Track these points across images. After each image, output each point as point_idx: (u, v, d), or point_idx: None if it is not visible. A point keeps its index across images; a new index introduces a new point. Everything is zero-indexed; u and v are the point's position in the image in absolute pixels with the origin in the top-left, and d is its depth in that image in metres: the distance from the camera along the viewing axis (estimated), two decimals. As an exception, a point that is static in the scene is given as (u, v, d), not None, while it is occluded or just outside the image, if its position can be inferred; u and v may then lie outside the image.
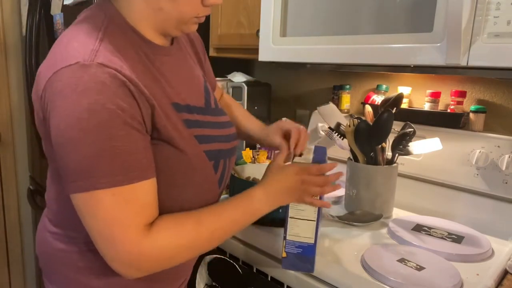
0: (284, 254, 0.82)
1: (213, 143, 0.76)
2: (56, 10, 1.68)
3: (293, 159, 0.95)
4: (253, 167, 1.23)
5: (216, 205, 0.73)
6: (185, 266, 0.85)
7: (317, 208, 0.79)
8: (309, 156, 0.83)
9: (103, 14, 0.67)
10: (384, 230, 1.06)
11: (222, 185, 0.81)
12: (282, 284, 0.90)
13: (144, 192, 0.63)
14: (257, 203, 0.74)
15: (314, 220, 0.79)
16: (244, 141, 1.53)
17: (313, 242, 0.80)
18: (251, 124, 1.03)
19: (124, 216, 0.60)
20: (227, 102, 1.07)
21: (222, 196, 1.16)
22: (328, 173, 0.79)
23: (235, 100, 1.14)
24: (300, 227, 0.80)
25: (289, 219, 0.80)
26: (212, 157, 0.75)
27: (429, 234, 1.00)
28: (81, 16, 0.70)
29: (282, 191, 0.76)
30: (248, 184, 1.10)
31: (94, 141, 0.57)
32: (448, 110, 1.19)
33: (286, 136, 0.92)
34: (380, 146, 1.10)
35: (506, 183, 1.05)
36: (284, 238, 0.81)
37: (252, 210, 0.74)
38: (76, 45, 0.61)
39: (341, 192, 1.24)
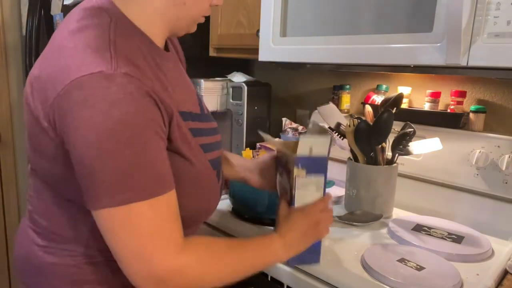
0: None
1: (213, 151, 0.75)
2: (56, 10, 1.68)
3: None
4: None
5: (237, 242, 0.73)
6: None
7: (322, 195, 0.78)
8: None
9: (107, 15, 0.64)
10: (384, 230, 1.06)
11: (221, 193, 0.82)
12: (282, 284, 0.90)
13: (175, 201, 0.62)
14: (275, 253, 0.74)
15: None
16: (244, 141, 1.53)
17: None
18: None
19: (163, 229, 0.59)
20: None
21: (221, 202, 1.15)
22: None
23: None
24: None
25: None
26: (215, 166, 0.75)
27: (429, 234, 1.00)
28: (80, 15, 0.65)
29: (298, 238, 0.76)
30: (248, 187, 1.09)
31: (129, 154, 0.56)
32: (448, 110, 1.19)
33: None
34: (380, 146, 1.10)
35: (506, 183, 1.05)
36: None
37: (269, 260, 0.75)
38: (90, 52, 0.58)
39: (341, 192, 1.24)
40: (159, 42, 0.70)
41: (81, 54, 0.59)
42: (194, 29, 0.75)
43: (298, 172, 0.74)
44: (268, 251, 0.74)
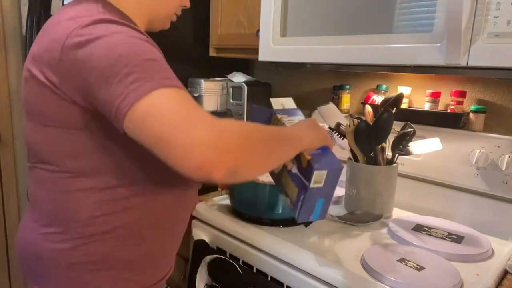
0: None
1: None
2: (56, 10, 1.68)
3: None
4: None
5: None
6: (166, 254, 0.84)
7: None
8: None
9: (94, 3, 0.70)
10: (384, 230, 1.06)
11: None
12: (282, 284, 0.90)
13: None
14: (302, 136, 0.74)
15: None
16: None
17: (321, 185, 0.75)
18: None
19: (197, 107, 0.58)
20: None
21: (222, 201, 1.16)
22: None
23: None
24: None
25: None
26: None
27: (429, 234, 1.00)
28: (72, 2, 0.72)
29: (309, 130, 0.77)
30: (248, 184, 1.10)
31: (142, 53, 0.60)
32: (448, 110, 1.19)
33: None
34: (380, 146, 1.10)
35: (506, 183, 1.05)
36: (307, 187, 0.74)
37: (298, 139, 0.74)
38: (85, 13, 0.65)
39: (341, 192, 1.24)
40: None
41: (77, 18, 0.64)
42: (167, 25, 0.84)
43: (281, 118, 0.84)
44: (291, 133, 0.74)
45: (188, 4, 0.86)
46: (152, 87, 0.56)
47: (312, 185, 0.73)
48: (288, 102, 0.92)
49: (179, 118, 0.55)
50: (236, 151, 0.57)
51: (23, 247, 0.78)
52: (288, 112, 0.88)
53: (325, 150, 0.78)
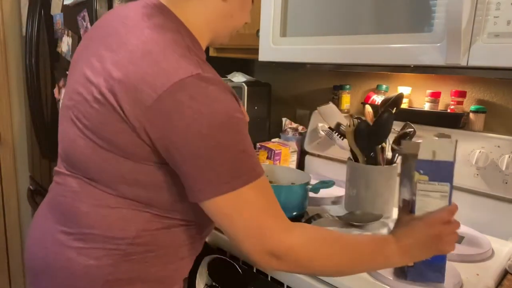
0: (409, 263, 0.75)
1: None
2: (56, 10, 1.68)
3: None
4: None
5: (349, 235, 0.75)
6: (180, 271, 0.82)
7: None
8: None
9: (169, 20, 0.69)
10: (384, 230, 1.06)
11: None
12: (282, 284, 0.90)
13: (269, 183, 0.67)
14: (387, 256, 0.71)
15: None
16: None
17: None
18: None
19: (271, 207, 0.65)
20: None
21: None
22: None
23: None
24: None
25: None
26: None
27: (429, 234, 1.00)
28: (147, 11, 0.69)
29: (416, 246, 0.72)
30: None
31: (237, 143, 0.62)
32: (448, 110, 1.19)
33: None
34: (380, 146, 1.10)
35: (506, 183, 1.05)
36: None
37: (380, 261, 0.72)
38: (178, 56, 0.62)
39: (341, 192, 1.24)
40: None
41: (172, 58, 0.62)
42: (227, 41, 0.82)
43: (420, 177, 0.71)
44: (380, 252, 0.71)
45: (249, 20, 0.82)
46: (241, 184, 0.62)
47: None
48: (444, 146, 0.69)
49: (249, 226, 0.63)
50: (291, 265, 0.66)
51: (48, 260, 0.73)
52: (434, 169, 0.69)
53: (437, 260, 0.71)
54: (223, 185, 0.61)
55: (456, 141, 0.70)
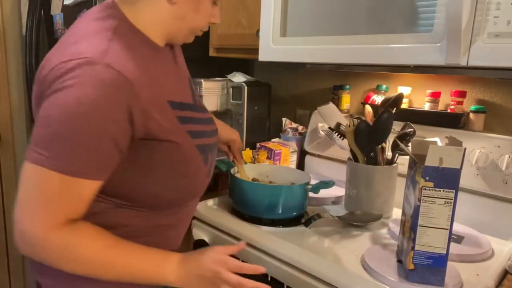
0: (411, 266, 0.76)
1: (202, 138, 0.80)
2: (56, 10, 1.68)
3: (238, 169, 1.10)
4: (253, 167, 1.23)
5: (134, 246, 0.71)
6: (170, 242, 0.85)
7: (450, 215, 0.72)
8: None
9: (111, 16, 0.71)
10: (384, 230, 1.06)
11: (210, 177, 0.86)
12: (282, 284, 0.90)
13: (90, 191, 0.66)
14: (168, 270, 0.72)
15: (447, 229, 0.72)
16: (244, 141, 1.53)
17: (445, 252, 0.74)
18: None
19: (55, 203, 0.65)
20: None
21: (222, 202, 1.15)
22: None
23: None
24: (430, 236, 0.74)
25: (418, 227, 0.74)
26: (202, 151, 0.79)
27: (429, 234, 1.00)
28: (88, 15, 0.73)
29: (195, 275, 0.72)
30: (248, 184, 1.10)
31: (70, 128, 0.61)
32: (448, 110, 1.19)
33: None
34: (380, 146, 1.10)
35: (506, 183, 1.05)
36: (412, 248, 0.75)
37: (158, 273, 0.71)
38: (85, 44, 0.65)
39: (341, 192, 1.24)
40: (157, 42, 0.76)
41: (79, 44, 0.65)
42: (191, 39, 0.80)
43: (425, 184, 0.70)
44: (157, 269, 0.71)
45: (218, 21, 0.81)
46: (50, 165, 0.62)
47: None
48: (452, 154, 0.67)
49: (31, 206, 0.68)
50: (35, 256, 0.70)
51: None
52: (440, 176, 0.68)
53: None
54: (36, 154, 0.63)
55: (465, 149, 0.68)
